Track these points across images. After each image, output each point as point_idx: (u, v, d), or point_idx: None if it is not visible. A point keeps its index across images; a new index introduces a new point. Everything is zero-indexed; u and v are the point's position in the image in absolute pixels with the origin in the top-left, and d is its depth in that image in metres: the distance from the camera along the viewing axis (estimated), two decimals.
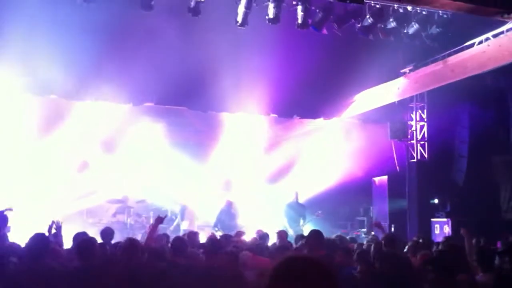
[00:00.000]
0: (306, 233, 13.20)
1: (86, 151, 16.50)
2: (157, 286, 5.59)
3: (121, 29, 11.95)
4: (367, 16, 11.47)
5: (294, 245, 9.54)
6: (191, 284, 5.75)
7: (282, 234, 10.41)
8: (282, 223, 14.74)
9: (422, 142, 15.33)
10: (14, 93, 13.03)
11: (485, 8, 10.32)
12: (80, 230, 8.73)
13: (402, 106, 15.24)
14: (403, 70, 14.11)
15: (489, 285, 5.82)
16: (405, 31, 11.82)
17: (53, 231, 8.21)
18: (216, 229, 14.33)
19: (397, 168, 15.89)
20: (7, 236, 8.69)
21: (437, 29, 11.71)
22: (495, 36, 11.56)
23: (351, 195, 16.70)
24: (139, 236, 13.23)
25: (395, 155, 15.78)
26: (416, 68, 13.79)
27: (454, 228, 13.72)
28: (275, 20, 11.09)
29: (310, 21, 11.45)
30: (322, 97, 14.93)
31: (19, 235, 8.91)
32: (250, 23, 11.13)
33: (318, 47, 12.89)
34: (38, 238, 6.47)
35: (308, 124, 17.45)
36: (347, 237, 11.20)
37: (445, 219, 14.36)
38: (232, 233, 11.36)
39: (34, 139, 14.86)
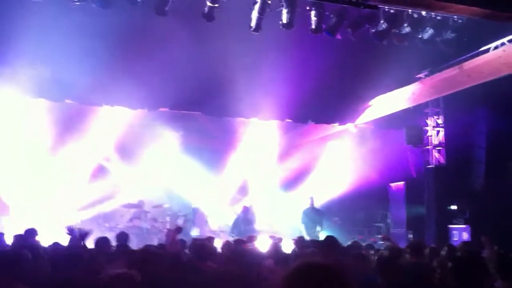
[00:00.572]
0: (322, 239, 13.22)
1: (102, 156, 16.65)
2: None
3: (136, 34, 12.01)
4: (381, 21, 11.39)
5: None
6: None
7: (298, 241, 10.34)
8: (299, 228, 14.68)
9: (438, 148, 15.19)
10: (30, 98, 13.16)
11: (500, 13, 10.22)
12: (96, 234, 8.85)
13: (417, 112, 15.12)
14: (418, 75, 14.02)
15: None
16: (420, 36, 11.71)
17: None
18: (233, 235, 14.33)
19: (414, 174, 15.75)
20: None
21: (452, 34, 11.60)
22: (510, 41, 11.44)
23: (367, 201, 16.63)
24: (155, 241, 13.31)
25: (411, 161, 15.64)
26: (431, 73, 13.69)
27: (473, 235, 13.54)
28: (289, 25, 11.06)
29: (324, 26, 11.41)
30: (337, 102, 14.89)
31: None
32: (264, 28, 11.12)
33: (332, 52, 12.82)
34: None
35: (323, 130, 17.41)
36: (364, 244, 11.09)
37: (463, 226, 14.18)
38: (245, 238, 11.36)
39: (50, 144, 15.01)
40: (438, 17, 11.39)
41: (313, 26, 11.28)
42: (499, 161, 14.47)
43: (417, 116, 15.29)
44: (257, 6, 10.76)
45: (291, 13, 10.94)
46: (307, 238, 13.62)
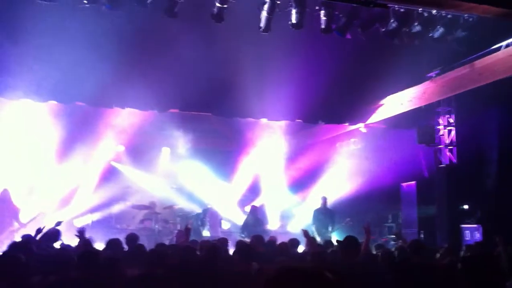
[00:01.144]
0: (333, 239, 13.19)
1: (113, 157, 16.73)
2: None
3: (145, 36, 12.03)
4: (392, 20, 11.31)
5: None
6: None
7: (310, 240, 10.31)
8: (311, 229, 14.63)
9: (450, 147, 15.07)
10: (40, 100, 13.21)
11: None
12: (108, 235, 8.87)
13: (429, 111, 15.00)
14: (430, 74, 13.92)
15: None
16: (431, 35, 11.62)
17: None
18: (243, 235, 14.33)
19: (426, 173, 15.66)
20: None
21: (463, 33, 11.50)
22: None
23: (378, 201, 16.55)
24: (167, 242, 13.33)
25: (423, 160, 15.54)
26: (442, 72, 13.58)
27: (485, 235, 13.45)
28: (298, 25, 11.02)
29: (333, 26, 11.36)
30: (347, 102, 14.82)
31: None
32: (273, 29, 11.10)
33: (342, 52, 12.78)
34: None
35: (334, 130, 17.37)
36: (374, 244, 11.06)
37: (475, 225, 14.08)
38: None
39: (61, 146, 15.09)
40: (449, 16, 11.29)
41: (323, 26, 11.22)
42: (511, 161, 14.34)
43: (428, 115, 15.15)
44: (266, 7, 10.74)
45: (300, 13, 10.89)
46: (318, 238, 13.63)
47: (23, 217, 13.47)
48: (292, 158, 18.05)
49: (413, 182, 16.00)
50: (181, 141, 16.92)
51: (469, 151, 14.90)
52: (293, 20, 11.00)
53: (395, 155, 15.53)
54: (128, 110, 14.31)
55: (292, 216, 17.53)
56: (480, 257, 7.32)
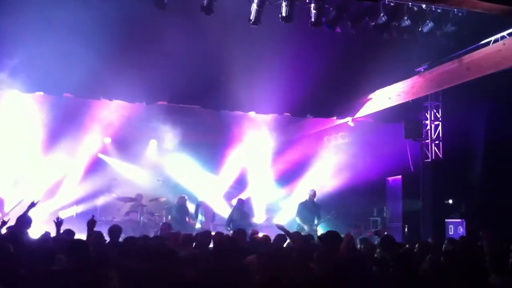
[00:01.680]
0: (319, 233, 13.23)
1: (100, 149, 16.64)
2: None
3: (134, 27, 11.92)
4: (381, 14, 11.33)
5: None
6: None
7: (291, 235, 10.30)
8: (296, 222, 14.65)
9: (436, 142, 15.16)
10: (28, 92, 13.07)
11: (500, 6, 10.16)
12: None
13: (417, 105, 15.05)
14: (418, 69, 13.96)
15: (501, 287, 5.74)
16: (420, 29, 11.66)
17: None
18: (229, 228, 14.33)
19: (412, 168, 15.74)
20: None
21: (452, 27, 11.54)
22: (510, 34, 11.41)
23: (364, 195, 16.63)
24: (152, 234, 13.28)
25: (409, 155, 15.62)
26: (431, 66, 13.61)
27: (468, 229, 13.57)
28: (288, 18, 10.99)
29: (323, 19, 11.34)
30: (336, 96, 14.85)
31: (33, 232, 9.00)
32: (262, 22, 11.05)
33: (331, 46, 12.79)
34: None
35: (322, 123, 17.39)
36: (359, 238, 11.07)
37: (459, 220, 14.19)
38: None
39: (48, 137, 14.98)
40: (439, 10, 11.35)
41: (313, 19, 11.20)
42: (496, 156, 14.46)
43: (416, 110, 15.25)
44: None
45: (290, 6, 10.87)
46: (305, 227, 13.70)
47: (7, 208, 13.32)
48: (280, 151, 18.07)
49: (399, 177, 16.07)
50: (169, 134, 16.86)
51: (455, 146, 15.00)
52: (283, 13, 10.96)
53: (381, 149, 15.58)
54: (115, 102, 14.21)
55: (278, 210, 17.56)
56: (462, 251, 7.41)
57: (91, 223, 7.90)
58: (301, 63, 13.18)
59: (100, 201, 15.93)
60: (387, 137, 15.78)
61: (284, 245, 9.99)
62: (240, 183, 17.99)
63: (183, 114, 16.08)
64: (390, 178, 16.37)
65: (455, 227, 14.14)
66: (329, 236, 7.56)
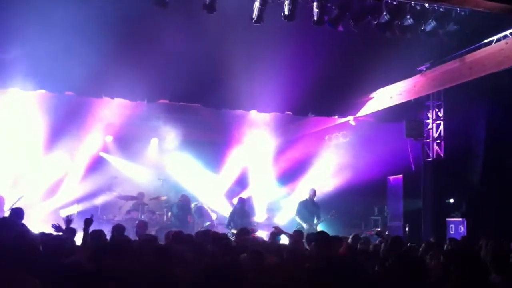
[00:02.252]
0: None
1: (101, 147, 16.63)
2: None
3: (136, 26, 11.92)
4: (384, 13, 11.31)
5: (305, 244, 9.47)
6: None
7: (296, 236, 10.30)
8: (297, 221, 14.65)
9: (438, 141, 15.15)
10: (29, 90, 13.04)
11: (504, 5, 10.15)
12: (93, 226, 8.77)
13: (419, 105, 15.04)
14: (420, 68, 13.93)
15: (501, 286, 5.73)
16: (422, 28, 11.62)
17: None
18: (230, 227, 14.32)
19: (413, 167, 15.73)
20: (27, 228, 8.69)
21: (455, 26, 11.50)
22: None
23: (365, 194, 16.63)
24: (153, 233, 13.26)
25: (410, 154, 15.61)
26: (433, 65, 13.60)
27: (469, 228, 13.56)
28: (290, 17, 10.96)
29: (326, 18, 11.33)
30: (337, 95, 14.83)
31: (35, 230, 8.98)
32: (265, 20, 11.04)
33: (334, 44, 12.78)
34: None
35: (323, 122, 17.37)
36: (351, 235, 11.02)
37: (460, 219, 14.18)
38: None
39: (49, 135, 14.97)
40: (441, 9, 11.30)
41: (315, 18, 11.17)
42: (497, 156, 14.45)
43: (418, 109, 15.24)
44: None
45: (293, 4, 10.84)
46: (305, 226, 13.70)
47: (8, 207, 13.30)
48: (281, 150, 18.04)
49: (399, 176, 16.07)
50: (170, 133, 16.83)
51: (456, 145, 14.99)
52: (286, 12, 10.94)
53: (382, 148, 15.55)
54: (117, 101, 14.17)
55: (279, 209, 17.55)
56: (463, 250, 7.39)
57: (87, 222, 7.94)
58: (303, 62, 13.17)
59: (101, 199, 15.91)
60: (388, 136, 15.77)
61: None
62: (241, 182, 17.97)
63: (184, 113, 16.06)
64: (391, 177, 16.37)
65: (456, 226, 14.14)
66: (318, 236, 7.59)
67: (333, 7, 11.29)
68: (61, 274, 4.75)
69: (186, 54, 12.42)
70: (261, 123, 16.67)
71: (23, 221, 8.96)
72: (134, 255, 6.20)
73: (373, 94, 15.30)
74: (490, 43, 11.92)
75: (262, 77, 13.15)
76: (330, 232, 9.59)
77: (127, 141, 17.03)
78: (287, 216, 16.44)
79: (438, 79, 13.55)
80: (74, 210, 15.12)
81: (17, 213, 9.13)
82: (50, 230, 8.78)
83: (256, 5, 10.84)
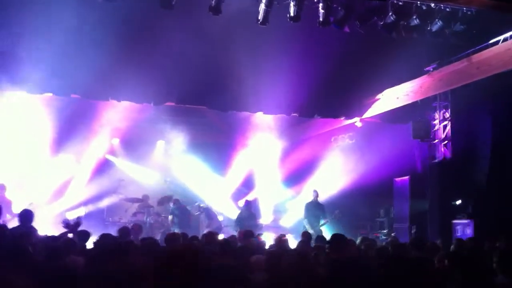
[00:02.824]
0: (324, 233, 13.23)
1: (108, 150, 16.66)
2: None
3: (142, 28, 11.99)
4: (390, 14, 11.30)
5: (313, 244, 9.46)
6: None
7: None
8: (303, 223, 14.64)
9: (445, 142, 15.08)
10: (36, 93, 13.07)
11: (510, 5, 10.14)
12: (99, 228, 8.84)
13: (425, 105, 14.97)
14: (427, 68, 13.86)
15: (509, 286, 5.70)
16: (429, 28, 11.62)
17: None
18: (237, 229, 14.31)
19: (419, 168, 15.67)
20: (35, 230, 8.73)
21: (461, 26, 11.49)
22: None
23: (372, 196, 16.58)
24: (158, 235, 13.31)
25: (417, 155, 15.55)
26: (439, 66, 13.50)
27: (476, 230, 13.48)
28: (296, 18, 10.98)
29: (331, 19, 11.33)
30: (344, 96, 14.78)
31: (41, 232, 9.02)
32: (271, 21, 11.05)
33: (339, 45, 12.77)
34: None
35: (330, 124, 17.34)
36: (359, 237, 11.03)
37: (466, 221, 14.10)
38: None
39: (56, 138, 15.01)
40: (447, 9, 11.30)
41: (321, 19, 11.20)
42: (504, 157, 14.37)
43: (425, 110, 15.16)
44: None
45: (298, 6, 10.89)
46: (310, 231, 13.67)
47: (16, 209, 13.32)
48: (287, 152, 18.03)
49: (406, 177, 15.99)
50: (176, 135, 16.85)
51: (463, 147, 14.90)
52: (291, 13, 10.98)
53: (389, 149, 15.48)
54: (123, 103, 14.17)
55: (285, 210, 17.54)
56: (470, 252, 7.36)
57: (74, 225, 8.02)
58: (309, 63, 13.15)
59: (107, 202, 15.94)
60: (395, 137, 15.71)
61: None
62: (247, 184, 17.97)
63: (190, 115, 16.08)
64: (397, 179, 16.30)
65: (463, 228, 14.06)
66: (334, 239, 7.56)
67: (339, 8, 11.31)
68: (53, 276, 4.79)
69: (192, 56, 12.43)
70: (267, 125, 16.66)
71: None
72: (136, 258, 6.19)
73: (380, 95, 15.24)
74: (497, 43, 11.83)
75: (268, 78, 13.15)
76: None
77: (133, 143, 17.06)
78: (293, 218, 16.43)
79: (445, 79, 13.47)
80: (81, 212, 15.18)
81: (26, 215, 9.14)
82: (55, 232, 8.88)
83: (262, 6, 10.88)
